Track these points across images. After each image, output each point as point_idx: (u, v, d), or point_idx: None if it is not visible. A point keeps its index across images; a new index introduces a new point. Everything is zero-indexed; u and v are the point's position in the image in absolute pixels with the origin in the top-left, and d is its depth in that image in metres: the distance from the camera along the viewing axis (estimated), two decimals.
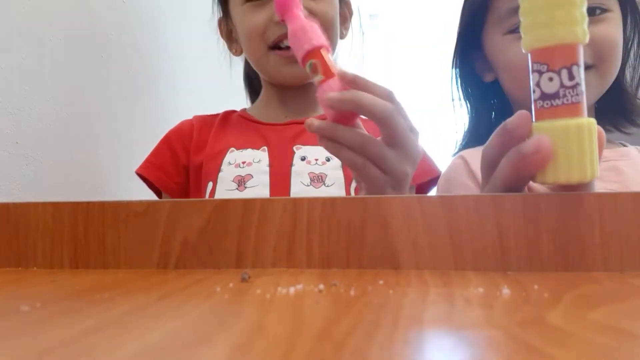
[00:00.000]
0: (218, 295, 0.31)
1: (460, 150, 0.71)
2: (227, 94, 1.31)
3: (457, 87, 0.69)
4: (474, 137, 0.70)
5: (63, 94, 0.65)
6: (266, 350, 0.20)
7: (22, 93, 0.59)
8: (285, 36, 0.62)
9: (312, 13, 0.64)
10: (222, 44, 0.85)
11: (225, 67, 1.30)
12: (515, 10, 0.51)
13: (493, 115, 0.68)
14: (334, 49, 0.72)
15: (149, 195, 0.82)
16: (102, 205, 0.45)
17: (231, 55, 0.86)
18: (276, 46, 0.67)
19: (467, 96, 0.69)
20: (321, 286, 0.32)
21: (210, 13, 1.20)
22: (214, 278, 0.37)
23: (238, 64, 0.97)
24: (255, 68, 0.76)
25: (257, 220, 0.42)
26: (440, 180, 0.71)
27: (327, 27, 0.66)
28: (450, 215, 0.39)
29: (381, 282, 0.34)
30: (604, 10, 0.56)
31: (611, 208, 0.37)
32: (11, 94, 0.57)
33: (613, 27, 0.57)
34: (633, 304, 0.28)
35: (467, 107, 0.70)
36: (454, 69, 0.69)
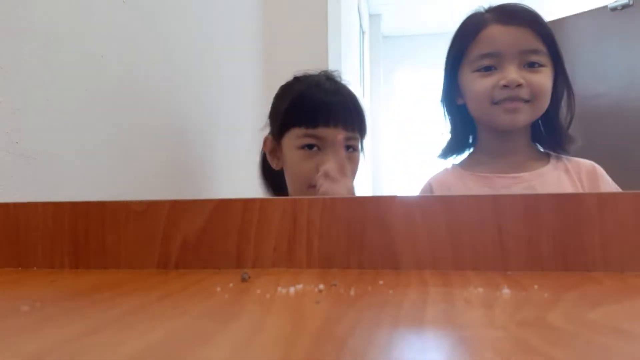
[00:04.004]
0: (218, 295, 0.31)
1: (442, 154, 0.93)
2: (226, 92, 1.31)
3: (442, 107, 0.92)
4: (453, 142, 0.92)
5: (63, 94, 0.65)
6: (266, 350, 0.20)
7: (22, 93, 0.59)
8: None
9: (349, 160, 0.84)
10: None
11: (223, 67, 1.30)
12: (482, 56, 0.81)
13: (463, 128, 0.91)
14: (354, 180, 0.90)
15: (149, 196, 0.82)
16: (102, 205, 0.45)
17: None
18: (315, 185, 0.84)
19: (449, 113, 0.91)
20: (321, 286, 0.32)
21: (208, 13, 1.20)
22: (214, 278, 0.37)
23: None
24: (292, 192, 0.90)
25: (257, 220, 0.42)
26: None
27: (354, 171, 0.88)
28: (450, 215, 0.39)
29: (381, 282, 0.34)
30: (541, 65, 0.80)
31: (611, 208, 0.37)
32: (11, 93, 0.57)
33: (545, 78, 0.80)
34: (633, 304, 0.28)
35: (449, 121, 0.92)
36: (441, 97, 0.91)
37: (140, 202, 0.44)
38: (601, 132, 2.47)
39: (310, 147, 0.84)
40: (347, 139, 0.85)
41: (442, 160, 0.93)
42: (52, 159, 0.63)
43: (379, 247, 0.40)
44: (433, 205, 0.39)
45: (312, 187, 0.84)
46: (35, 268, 0.45)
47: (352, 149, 0.87)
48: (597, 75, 2.48)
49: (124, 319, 0.26)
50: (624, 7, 2.41)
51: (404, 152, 5.81)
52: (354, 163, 0.88)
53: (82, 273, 0.42)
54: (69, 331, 0.23)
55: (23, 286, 0.38)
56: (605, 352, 0.20)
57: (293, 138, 0.86)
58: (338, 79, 0.91)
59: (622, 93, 2.44)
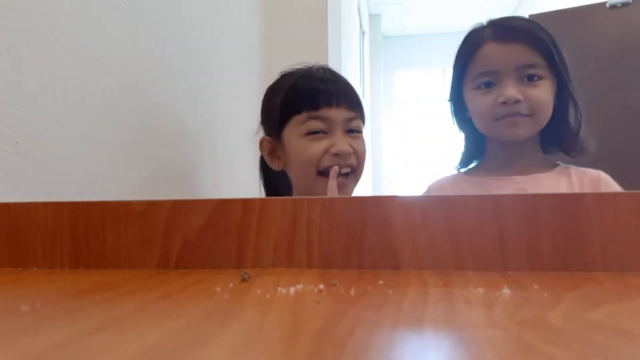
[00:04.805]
0: (218, 295, 0.31)
1: (460, 164, 0.96)
2: (226, 92, 1.31)
3: (453, 121, 0.95)
4: (467, 152, 0.95)
5: (63, 94, 0.65)
6: (266, 350, 0.20)
7: (22, 93, 0.59)
8: (334, 164, 0.79)
9: (353, 149, 0.81)
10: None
11: (223, 67, 1.31)
12: (480, 74, 0.83)
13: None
14: (360, 174, 0.86)
15: (149, 196, 0.82)
16: (102, 205, 0.45)
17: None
18: (324, 172, 0.80)
19: (461, 126, 0.94)
20: (321, 286, 0.32)
21: (208, 13, 1.20)
22: (214, 278, 0.37)
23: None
24: (299, 187, 0.86)
25: (257, 220, 0.42)
26: None
27: (360, 161, 0.84)
28: (450, 215, 0.39)
29: (381, 282, 0.34)
30: (540, 78, 0.81)
31: (611, 208, 0.37)
32: (11, 94, 0.57)
33: (543, 91, 0.81)
34: (633, 304, 0.28)
35: (463, 134, 0.95)
36: (450, 109, 0.94)
37: (140, 202, 0.44)
38: (598, 131, 2.47)
39: (315, 133, 0.80)
40: (351, 119, 0.82)
41: (462, 169, 0.95)
42: (52, 159, 0.63)
43: (379, 247, 0.40)
44: (433, 205, 0.39)
45: (320, 174, 0.80)
46: (35, 268, 0.45)
47: (357, 131, 0.84)
48: (594, 73, 2.48)
49: (124, 319, 0.26)
50: (624, 5, 2.41)
51: (404, 152, 5.81)
52: (361, 145, 0.84)
53: (82, 273, 0.42)
54: (69, 331, 0.23)
55: (23, 286, 0.38)
56: (605, 352, 0.20)
57: (295, 126, 0.81)
58: (329, 69, 0.89)
59: (619, 92, 2.44)
